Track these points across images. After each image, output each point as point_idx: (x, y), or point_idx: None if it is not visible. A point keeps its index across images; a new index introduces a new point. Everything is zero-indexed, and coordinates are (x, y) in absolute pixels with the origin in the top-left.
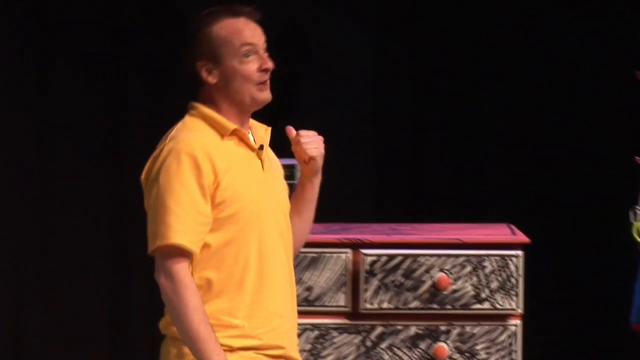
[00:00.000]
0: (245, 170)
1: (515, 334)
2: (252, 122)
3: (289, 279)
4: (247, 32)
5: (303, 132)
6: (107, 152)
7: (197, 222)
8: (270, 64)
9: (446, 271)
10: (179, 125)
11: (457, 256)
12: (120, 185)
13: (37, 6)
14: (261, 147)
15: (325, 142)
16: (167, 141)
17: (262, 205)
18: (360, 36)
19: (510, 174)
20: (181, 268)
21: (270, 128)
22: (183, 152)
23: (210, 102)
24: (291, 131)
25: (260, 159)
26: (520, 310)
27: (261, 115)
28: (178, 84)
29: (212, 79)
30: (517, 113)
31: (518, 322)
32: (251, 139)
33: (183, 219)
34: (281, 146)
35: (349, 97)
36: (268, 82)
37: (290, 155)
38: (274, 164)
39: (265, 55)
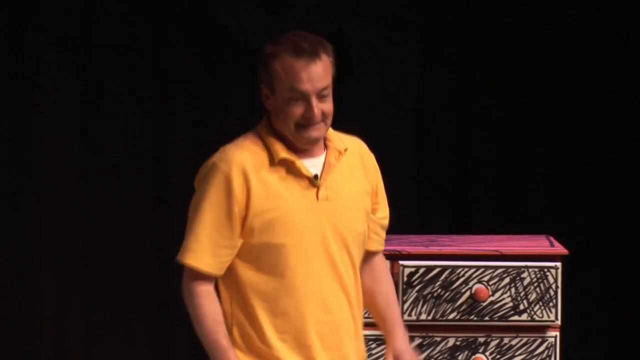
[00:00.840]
0: (291, 200)
1: (553, 345)
2: (332, 142)
3: (345, 309)
4: (301, 77)
5: None
6: (152, 175)
7: (217, 245)
8: (314, 113)
9: (484, 283)
10: (240, 138)
11: (495, 268)
12: (165, 207)
13: (85, 27)
14: (316, 177)
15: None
16: (218, 152)
17: (306, 237)
18: (403, 46)
19: (550, 186)
20: (196, 284)
21: (346, 149)
22: (220, 172)
23: (271, 123)
24: None
25: (316, 186)
26: (558, 322)
27: None
28: (226, 107)
29: (268, 105)
30: (559, 125)
31: (556, 333)
32: (308, 165)
33: (202, 239)
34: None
35: (391, 108)
36: (317, 124)
37: None
38: (346, 188)
39: (316, 102)
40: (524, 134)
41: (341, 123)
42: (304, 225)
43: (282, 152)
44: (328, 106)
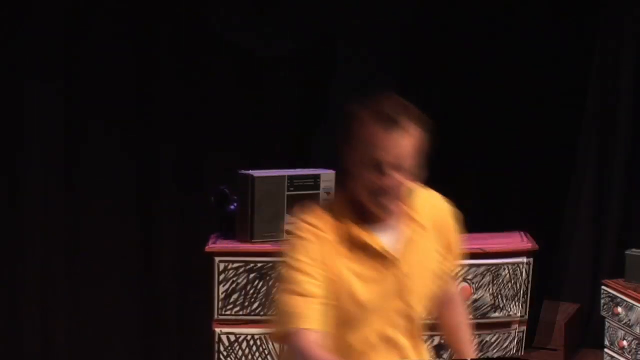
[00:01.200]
0: (362, 274)
1: (521, 340)
2: (414, 212)
3: None
4: (382, 146)
5: None
6: (137, 226)
7: (306, 302)
8: (391, 186)
9: (468, 281)
10: (318, 204)
11: (478, 266)
12: (151, 259)
13: (70, 73)
14: (388, 252)
15: None
16: (295, 222)
17: (369, 308)
18: (387, 44)
19: (529, 185)
20: (293, 337)
21: (426, 226)
22: (299, 238)
23: (345, 184)
24: None
25: (393, 262)
26: (526, 317)
27: (286, 136)
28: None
29: (344, 161)
30: (538, 128)
31: (523, 328)
32: (383, 234)
33: (291, 302)
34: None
35: None
36: (392, 196)
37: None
38: (421, 257)
39: (395, 174)
40: (504, 136)
41: (326, 127)
42: (370, 297)
43: (355, 229)
44: (407, 179)
